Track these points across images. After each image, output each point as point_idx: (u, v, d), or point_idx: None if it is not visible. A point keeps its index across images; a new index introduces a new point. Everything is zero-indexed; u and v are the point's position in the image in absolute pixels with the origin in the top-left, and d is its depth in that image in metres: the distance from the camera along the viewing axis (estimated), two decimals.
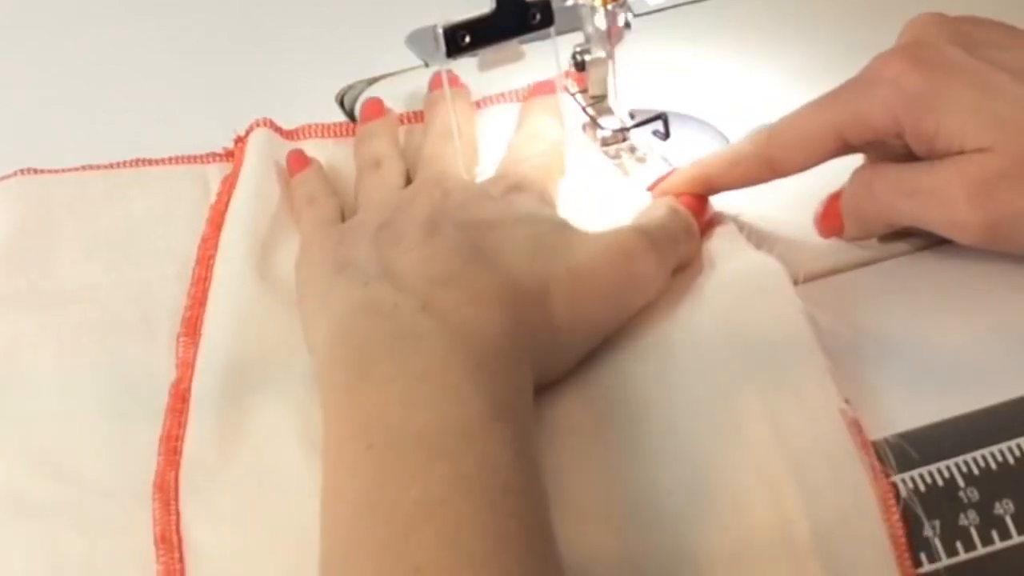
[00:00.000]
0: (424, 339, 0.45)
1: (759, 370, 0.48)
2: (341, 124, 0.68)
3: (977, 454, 0.47)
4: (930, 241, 0.56)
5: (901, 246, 0.57)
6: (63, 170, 0.66)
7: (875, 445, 0.46)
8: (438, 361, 0.44)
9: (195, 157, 0.67)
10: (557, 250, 0.52)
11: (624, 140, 0.63)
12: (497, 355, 0.46)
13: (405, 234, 0.52)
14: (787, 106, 0.56)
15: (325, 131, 0.68)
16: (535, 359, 0.48)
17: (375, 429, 0.43)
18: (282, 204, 0.62)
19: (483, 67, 0.59)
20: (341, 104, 0.72)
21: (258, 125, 0.66)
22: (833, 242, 0.57)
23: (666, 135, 0.62)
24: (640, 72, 0.64)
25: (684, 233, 0.56)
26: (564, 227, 0.54)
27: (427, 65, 0.74)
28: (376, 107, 0.66)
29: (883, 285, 0.55)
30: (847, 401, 0.47)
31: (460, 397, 0.43)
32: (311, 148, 0.66)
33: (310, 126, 0.68)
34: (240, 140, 0.66)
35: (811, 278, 0.56)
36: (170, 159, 0.67)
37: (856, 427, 0.46)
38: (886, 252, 0.57)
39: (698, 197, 0.57)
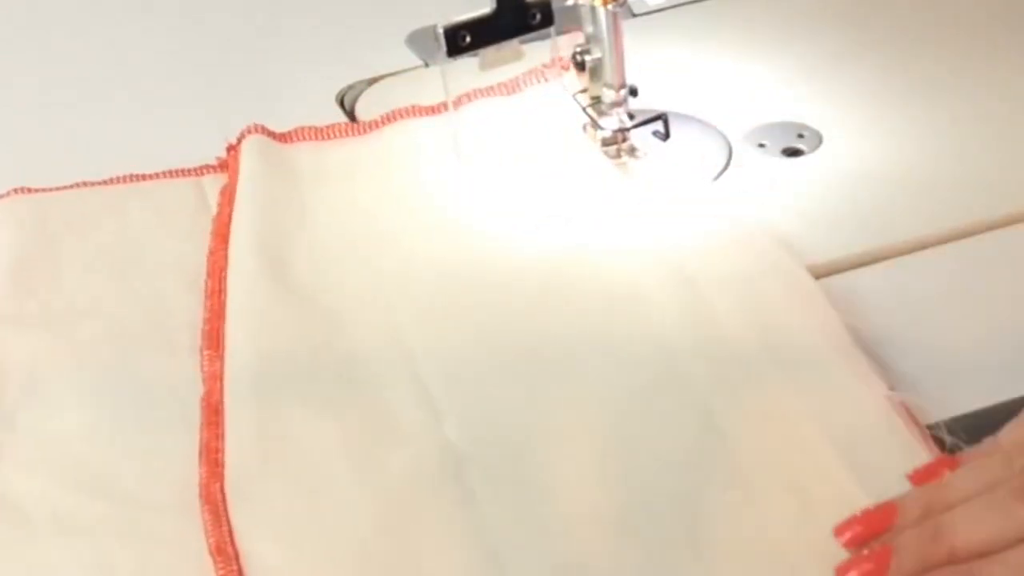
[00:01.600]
0: None
1: (799, 372, 0.49)
2: (333, 126, 0.68)
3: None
4: (929, 241, 0.56)
5: (901, 246, 0.57)
6: (57, 188, 0.66)
7: None
8: None
9: (190, 170, 0.67)
10: None
11: (624, 140, 0.63)
12: None
13: None
14: (787, 106, 0.56)
15: (317, 134, 0.67)
16: None
17: None
18: (285, 210, 0.62)
19: (483, 67, 0.59)
20: (341, 104, 0.72)
21: (249, 132, 0.66)
22: (832, 242, 0.57)
23: (666, 135, 0.62)
24: (640, 72, 0.64)
25: None
26: None
27: (427, 65, 0.74)
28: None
29: (883, 285, 0.55)
30: (892, 388, 0.48)
31: None
32: (306, 150, 0.66)
33: (302, 129, 0.67)
34: (232, 148, 0.66)
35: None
36: (165, 172, 0.67)
37: (903, 409, 0.48)
38: (886, 252, 0.57)
39: None
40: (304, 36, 0.80)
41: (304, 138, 0.67)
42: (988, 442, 0.45)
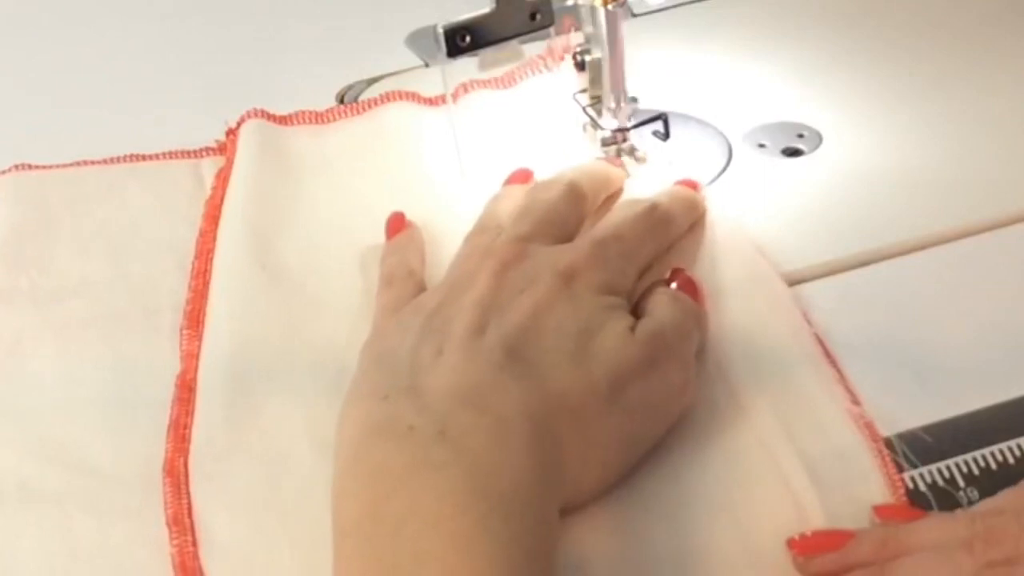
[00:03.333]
0: (439, 472, 0.42)
1: (770, 379, 0.50)
2: (332, 109, 0.69)
3: (977, 454, 0.47)
4: (929, 241, 0.56)
5: (901, 246, 0.57)
6: (58, 166, 0.67)
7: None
8: (451, 503, 0.41)
9: (189, 152, 0.68)
10: (600, 355, 0.47)
11: (624, 140, 0.63)
12: (517, 493, 0.42)
13: (453, 322, 0.48)
14: (787, 106, 0.56)
15: (317, 117, 0.68)
16: (565, 479, 0.45)
17: None
18: (278, 195, 0.63)
19: (483, 67, 0.59)
20: (341, 104, 0.72)
21: (249, 116, 0.67)
22: (832, 242, 0.57)
23: (666, 135, 0.62)
24: (640, 72, 0.64)
25: (695, 323, 0.51)
26: (615, 324, 0.49)
27: (427, 65, 0.74)
28: (398, 223, 0.60)
29: (883, 285, 0.55)
30: (856, 402, 0.48)
31: (473, 549, 0.40)
32: (305, 134, 0.66)
33: (303, 112, 0.68)
34: (231, 132, 0.67)
35: (811, 278, 0.56)
36: (164, 154, 0.68)
37: (864, 423, 0.48)
38: (886, 252, 0.57)
39: (689, 277, 0.53)
40: (304, 36, 0.80)
41: (303, 121, 0.67)
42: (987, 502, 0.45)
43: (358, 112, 0.68)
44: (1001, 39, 0.70)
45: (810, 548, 0.44)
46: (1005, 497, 0.45)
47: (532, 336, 0.47)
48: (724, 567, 0.44)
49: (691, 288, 0.53)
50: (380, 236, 0.59)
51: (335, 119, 0.68)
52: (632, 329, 0.49)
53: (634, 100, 0.62)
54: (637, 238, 0.54)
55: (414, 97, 0.68)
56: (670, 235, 0.57)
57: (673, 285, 0.53)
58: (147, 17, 0.83)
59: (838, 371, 0.50)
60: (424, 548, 0.40)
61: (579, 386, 0.46)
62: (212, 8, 0.83)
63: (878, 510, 0.45)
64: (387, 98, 0.68)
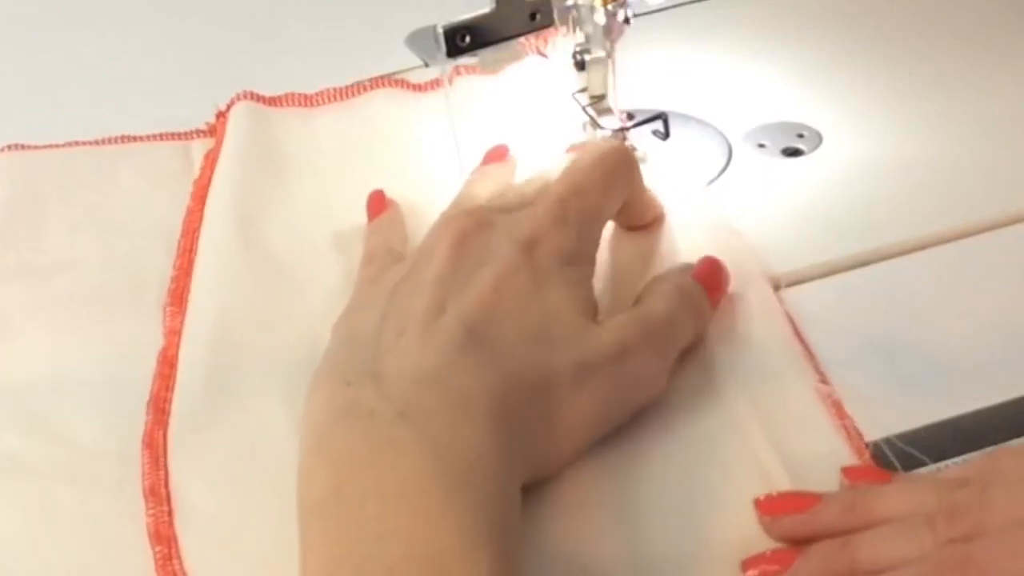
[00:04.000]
0: (401, 453, 0.42)
1: (745, 362, 0.51)
2: (322, 92, 0.69)
3: (977, 454, 0.47)
4: (928, 241, 0.56)
5: (901, 246, 0.57)
6: (50, 146, 0.68)
7: (875, 445, 0.47)
8: (413, 481, 0.41)
9: (179, 134, 0.69)
10: (564, 338, 0.47)
11: (624, 140, 0.63)
12: (480, 471, 0.42)
13: (413, 300, 0.48)
14: (787, 106, 0.56)
15: (306, 100, 0.69)
16: (527, 455, 0.45)
17: (346, 566, 0.40)
18: (265, 175, 0.64)
19: (483, 67, 0.59)
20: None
21: (239, 99, 0.68)
22: (832, 242, 0.57)
23: (666, 135, 0.62)
24: (640, 72, 0.64)
25: (692, 316, 0.51)
26: (578, 301, 0.49)
27: (427, 65, 0.74)
28: (379, 202, 0.61)
29: (883, 285, 0.55)
30: (824, 381, 0.49)
31: (436, 525, 0.40)
32: (293, 117, 0.67)
33: (293, 95, 0.69)
34: (221, 115, 0.68)
35: (810, 278, 0.56)
36: (155, 135, 0.69)
37: (832, 402, 0.48)
38: (886, 252, 0.57)
39: (716, 266, 0.53)
40: (304, 36, 0.80)
41: (293, 103, 0.68)
42: (930, 474, 0.46)
43: (347, 96, 0.69)
44: (1001, 39, 0.70)
45: (776, 509, 0.45)
46: (973, 465, 0.45)
47: (492, 315, 0.47)
48: (711, 551, 0.44)
49: (712, 280, 0.53)
50: (362, 218, 0.60)
51: (324, 102, 0.69)
52: (595, 308, 0.49)
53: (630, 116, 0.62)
54: (598, 190, 0.53)
55: (402, 84, 0.69)
56: (634, 177, 0.55)
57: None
58: (147, 17, 0.83)
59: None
60: (388, 526, 0.40)
61: (542, 371, 0.46)
62: (212, 8, 0.83)
63: (846, 471, 0.46)
64: (376, 83, 0.69)
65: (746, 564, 0.43)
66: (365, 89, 0.69)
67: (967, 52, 0.70)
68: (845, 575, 0.42)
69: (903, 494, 0.44)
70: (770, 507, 0.45)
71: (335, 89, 0.69)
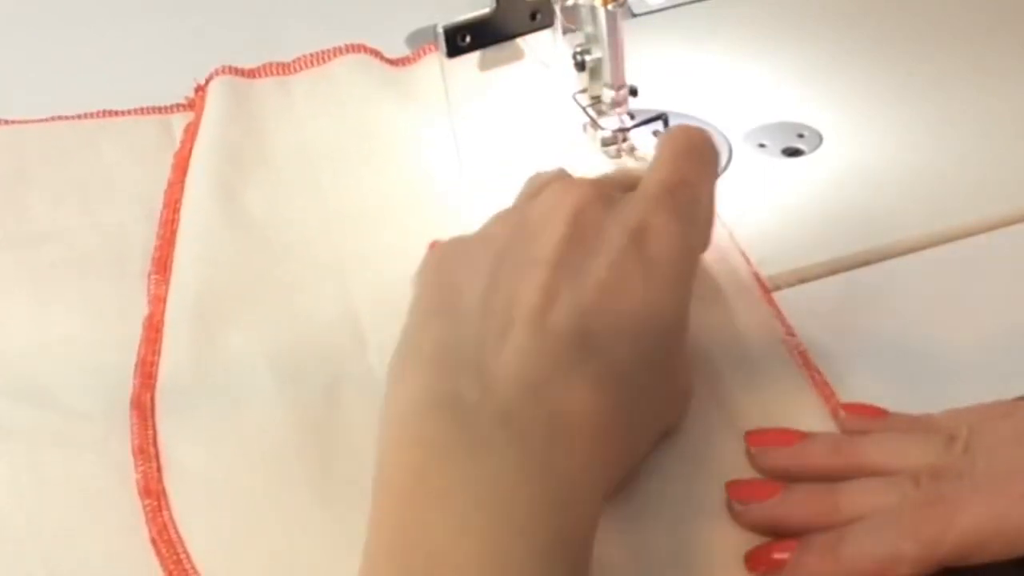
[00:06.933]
0: (496, 455, 0.41)
1: (734, 357, 0.52)
2: (299, 59, 0.71)
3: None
4: (928, 241, 0.56)
5: (901, 246, 0.57)
6: (34, 120, 0.69)
7: None
8: (504, 491, 0.40)
9: (160, 108, 0.70)
10: (681, 367, 0.48)
11: (624, 140, 0.63)
12: (568, 493, 0.41)
13: (522, 284, 0.46)
14: (787, 106, 0.56)
15: (284, 69, 0.71)
16: (616, 477, 0.45)
17: (417, 553, 0.39)
18: (245, 145, 0.65)
19: (483, 67, 0.59)
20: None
21: (217, 73, 0.69)
22: (832, 242, 0.57)
23: None
24: (640, 72, 0.64)
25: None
26: (680, 290, 0.48)
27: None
28: None
29: (883, 285, 0.55)
30: (791, 333, 0.52)
31: (519, 535, 0.39)
32: (272, 89, 0.69)
33: (270, 64, 0.70)
34: (200, 89, 0.70)
35: (810, 278, 0.56)
36: (136, 110, 0.70)
37: (799, 352, 0.51)
38: (886, 252, 0.57)
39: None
40: (304, 36, 0.80)
41: (272, 73, 0.70)
42: (923, 417, 0.47)
43: (323, 61, 0.71)
44: (1001, 39, 0.70)
45: (764, 440, 0.47)
46: (965, 419, 0.45)
47: (605, 315, 0.45)
48: (716, 567, 0.44)
49: None
50: (342, 185, 0.62)
51: (300, 69, 0.70)
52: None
53: (634, 94, 0.62)
54: (699, 178, 0.51)
55: (376, 54, 0.71)
56: (716, 166, 0.53)
57: None
58: (147, 18, 0.83)
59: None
60: (467, 523, 0.39)
61: (651, 402, 0.46)
62: (212, 8, 0.83)
63: (845, 407, 0.48)
64: (349, 49, 0.71)
65: (750, 558, 0.44)
66: (340, 52, 0.71)
67: (967, 52, 0.70)
68: (827, 513, 0.43)
69: (890, 444, 0.45)
70: (759, 439, 0.47)
71: (311, 55, 0.71)
